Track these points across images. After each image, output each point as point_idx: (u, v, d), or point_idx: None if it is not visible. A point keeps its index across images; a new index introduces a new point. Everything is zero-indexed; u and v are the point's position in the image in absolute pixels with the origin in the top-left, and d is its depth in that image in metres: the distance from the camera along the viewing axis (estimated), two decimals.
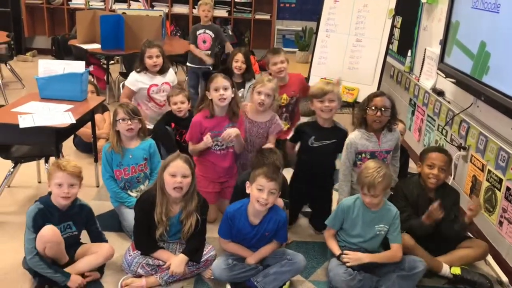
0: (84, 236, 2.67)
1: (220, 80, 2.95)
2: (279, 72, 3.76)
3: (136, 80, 3.96)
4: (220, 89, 2.94)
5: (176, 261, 2.52)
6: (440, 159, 2.76)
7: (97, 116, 4.05)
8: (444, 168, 2.76)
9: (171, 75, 4.15)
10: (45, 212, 2.42)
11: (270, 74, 3.83)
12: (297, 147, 3.20)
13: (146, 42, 3.97)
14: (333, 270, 2.57)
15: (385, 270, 2.59)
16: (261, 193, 2.43)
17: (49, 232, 2.36)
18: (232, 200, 2.93)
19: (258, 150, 3.05)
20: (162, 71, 4.04)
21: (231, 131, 3.00)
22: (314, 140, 2.99)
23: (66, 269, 2.47)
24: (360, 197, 2.64)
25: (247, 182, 2.52)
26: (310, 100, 3.02)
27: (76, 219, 2.55)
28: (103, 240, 2.66)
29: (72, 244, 2.57)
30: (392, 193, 2.93)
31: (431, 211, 2.65)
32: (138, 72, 3.99)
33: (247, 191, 2.52)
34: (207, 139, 3.01)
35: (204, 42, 5.13)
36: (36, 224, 2.38)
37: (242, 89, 4.09)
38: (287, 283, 2.57)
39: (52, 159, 3.11)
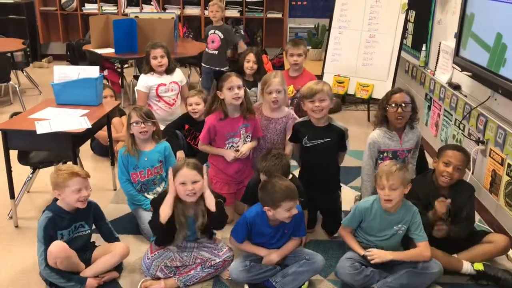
0: (98, 239, 2.71)
1: (234, 79, 2.93)
2: (294, 64, 3.88)
3: (146, 82, 4.06)
4: (235, 88, 2.92)
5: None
6: (457, 158, 2.69)
7: (115, 120, 4.10)
8: (460, 168, 2.69)
9: (179, 75, 4.21)
10: (55, 219, 2.44)
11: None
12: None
13: (151, 44, 4.05)
14: (340, 262, 2.56)
15: (398, 268, 2.55)
16: (291, 211, 2.43)
17: (56, 248, 2.38)
18: (243, 199, 2.98)
19: (266, 152, 2.99)
20: (169, 70, 4.10)
21: (245, 150, 3.07)
22: (307, 139, 2.92)
23: (84, 272, 2.50)
24: (378, 199, 2.59)
25: (266, 207, 2.45)
26: (301, 100, 2.98)
27: (86, 218, 2.58)
28: (114, 236, 2.69)
29: (86, 246, 2.60)
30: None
31: (436, 205, 2.61)
32: (146, 73, 4.07)
33: (269, 214, 2.46)
34: (229, 156, 3.05)
35: (213, 42, 5.17)
36: (47, 234, 2.41)
37: (255, 88, 4.09)
38: (306, 283, 2.56)
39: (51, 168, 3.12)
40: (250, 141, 3.15)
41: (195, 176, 2.47)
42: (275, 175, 2.58)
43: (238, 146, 3.09)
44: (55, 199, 2.52)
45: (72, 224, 2.52)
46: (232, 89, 2.92)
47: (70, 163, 3.10)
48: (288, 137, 3.14)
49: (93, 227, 2.68)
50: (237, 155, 3.05)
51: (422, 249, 2.55)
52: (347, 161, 3.17)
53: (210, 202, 2.52)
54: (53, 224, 2.43)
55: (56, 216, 2.45)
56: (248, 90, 3.11)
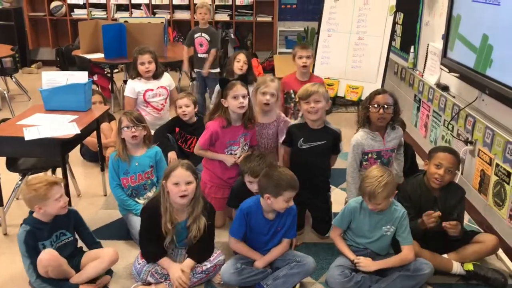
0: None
1: (239, 88, 2.90)
2: (303, 67, 3.86)
3: (133, 88, 4.03)
4: (240, 97, 2.89)
5: (177, 271, 2.50)
6: (448, 160, 2.69)
7: (104, 125, 4.08)
8: (451, 170, 2.70)
9: (167, 79, 4.20)
10: (33, 231, 2.41)
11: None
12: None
13: (138, 49, 4.02)
14: (329, 271, 2.57)
15: (390, 271, 2.56)
16: (289, 203, 2.50)
17: (47, 257, 2.36)
18: (229, 203, 3.02)
19: (247, 153, 3.01)
20: (156, 75, 4.08)
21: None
22: (302, 142, 2.94)
23: (73, 278, 2.49)
24: None
25: (267, 194, 2.49)
26: (298, 102, 3.00)
27: (66, 225, 2.56)
28: (95, 241, 2.67)
29: (74, 253, 2.59)
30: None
31: (426, 216, 2.62)
32: (133, 79, 4.05)
33: (268, 202, 2.51)
34: (230, 161, 3.02)
35: (201, 45, 5.14)
36: (29, 247, 2.38)
37: None
38: (297, 285, 2.56)
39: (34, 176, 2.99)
40: (247, 150, 3.13)
41: (189, 177, 2.47)
42: (279, 166, 2.62)
43: (236, 154, 3.06)
44: (31, 212, 2.47)
45: (53, 233, 2.49)
46: (237, 98, 2.89)
47: (41, 174, 3.10)
48: (281, 140, 3.13)
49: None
50: (237, 161, 3.02)
51: (406, 252, 2.56)
52: (337, 163, 3.19)
53: (190, 265, 2.55)
54: (32, 236, 2.40)
55: (34, 229, 2.41)
56: (251, 99, 3.09)
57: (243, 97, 2.90)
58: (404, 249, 2.58)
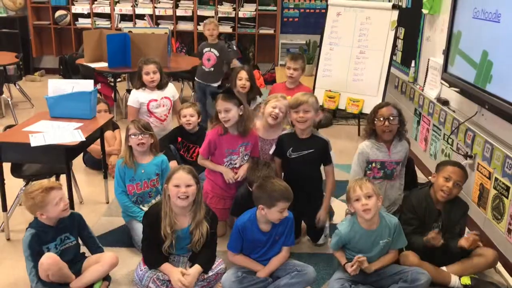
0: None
1: (219, 103, 2.92)
2: (289, 77, 4.12)
3: (136, 97, 4.06)
4: (222, 112, 2.92)
5: (178, 274, 2.51)
6: (458, 173, 2.74)
7: (108, 133, 4.11)
8: (459, 184, 2.74)
9: (171, 90, 4.23)
10: (39, 235, 2.44)
11: None
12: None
13: (143, 59, 4.08)
14: (330, 284, 2.59)
15: (388, 282, 2.58)
16: (283, 213, 2.53)
17: (48, 261, 2.38)
18: (233, 212, 3.04)
19: (253, 162, 3.05)
20: (161, 86, 4.12)
21: (242, 174, 3.05)
22: (291, 151, 2.97)
23: (73, 283, 2.50)
24: (355, 220, 2.62)
25: (261, 205, 2.52)
26: (288, 110, 3.03)
27: (71, 229, 2.58)
28: (98, 245, 2.69)
29: (76, 257, 2.60)
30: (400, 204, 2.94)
31: (430, 237, 2.64)
32: (137, 89, 4.09)
33: (262, 213, 2.54)
34: (228, 175, 3.04)
35: (208, 60, 5.16)
36: (33, 251, 2.41)
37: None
38: None
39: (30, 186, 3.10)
40: (247, 160, 3.13)
41: (189, 180, 2.50)
42: (273, 176, 2.68)
43: (236, 164, 3.08)
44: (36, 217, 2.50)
45: (57, 237, 2.52)
46: (220, 112, 2.93)
47: (40, 180, 3.13)
48: (271, 151, 3.13)
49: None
50: (236, 178, 3.04)
51: (395, 254, 2.67)
52: (338, 174, 3.21)
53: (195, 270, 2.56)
54: (37, 239, 2.43)
55: (39, 232, 2.45)
56: (248, 107, 3.10)
57: (226, 111, 2.91)
58: (393, 252, 2.66)
